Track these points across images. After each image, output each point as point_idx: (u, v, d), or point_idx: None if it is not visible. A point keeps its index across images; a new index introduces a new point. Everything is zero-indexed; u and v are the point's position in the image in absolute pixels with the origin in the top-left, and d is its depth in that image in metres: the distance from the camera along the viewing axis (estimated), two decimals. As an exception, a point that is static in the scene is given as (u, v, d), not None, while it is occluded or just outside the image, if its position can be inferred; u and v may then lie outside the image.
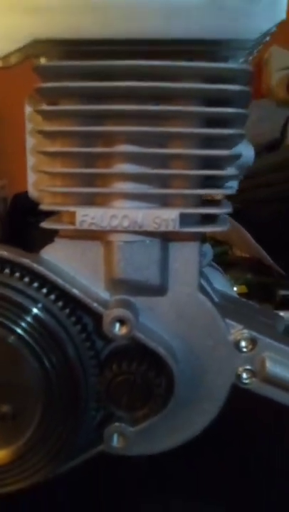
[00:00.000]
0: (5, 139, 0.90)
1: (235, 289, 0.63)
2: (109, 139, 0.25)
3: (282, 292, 0.60)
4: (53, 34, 0.22)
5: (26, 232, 0.87)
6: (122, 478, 0.32)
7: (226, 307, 0.31)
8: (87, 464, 0.29)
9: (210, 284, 0.34)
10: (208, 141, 0.25)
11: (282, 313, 0.39)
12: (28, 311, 0.25)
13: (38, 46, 0.23)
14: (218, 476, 0.33)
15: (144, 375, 0.26)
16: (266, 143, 0.77)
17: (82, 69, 0.23)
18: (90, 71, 0.23)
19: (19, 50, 0.22)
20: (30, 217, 0.88)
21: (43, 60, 0.25)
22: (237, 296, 0.38)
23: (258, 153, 0.77)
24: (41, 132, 0.26)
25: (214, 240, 0.74)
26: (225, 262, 0.76)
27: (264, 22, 0.21)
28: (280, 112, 0.86)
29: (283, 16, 0.21)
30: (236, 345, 0.29)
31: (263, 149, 0.76)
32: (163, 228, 0.25)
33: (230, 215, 0.63)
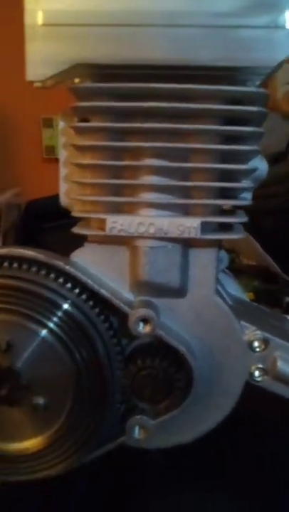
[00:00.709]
0: (20, 149, 0.93)
1: (243, 295, 0.66)
2: (136, 152, 0.27)
3: (289, 299, 0.62)
4: (92, 59, 0.24)
5: (39, 236, 0.89)
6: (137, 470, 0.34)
7: (240, 310, 0.33)
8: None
9: (224, 288, 0.36)
10: (227, 156, 0.28)
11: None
12: (62, 309, 0.27)
13: (75, 69, 0.25)
14: (231, 469, 0.35)
15: (165, 370, 0.28)
16: (272, 155, 0.79)
17: (114, 90, 0.26)
18: (121, 92, 0.26)
19: (60, 73, 0.25)
20: (43, 223, 0.90)
21: (77, 81, 0.28)
22: (248, 300, 0.40)
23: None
24: (74, 146, 0.29)
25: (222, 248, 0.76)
26: (232, 269, 0.78)
27: (281, 52, 0.24)
28: (286, 125, 0.89)
29: (298, 46, 0.24)
30: (250, 345, 0.31)
31: (269, 161, 0.78)
32: (186, 235, 0.27)
33: None
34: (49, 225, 0.86)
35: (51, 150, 0.96)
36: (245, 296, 0.40)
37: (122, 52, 0.24)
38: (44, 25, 0.24)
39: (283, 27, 0.23)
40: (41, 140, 0.96)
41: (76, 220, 0.30)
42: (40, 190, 0.93)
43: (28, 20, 0.24)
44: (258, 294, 0.68)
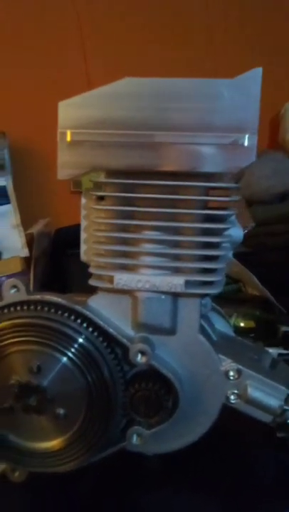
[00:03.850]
0: (50, 183, 1.04)
1: (242, 324, 0.73)
2: (138, 227, 0.36)
3: (284, 328, 0.69)
4: (104, 166, 0.33)
5: (64, 261, 0.99)
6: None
7: (221, 345, 0.41)
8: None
9: (212, 325, 0.44)
10: (207, 231, 0.36)
11: (270, 350, 0.48)
12: (78, 342, 0.36)
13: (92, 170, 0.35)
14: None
15: (156, 392, 0.37)
16: (278, 194, 0.87)
17: (123, 184, 0.35)
18: (126, 185, 0.35)
19: (81, 174, 0.34)
20: (68, 249, 1.00)
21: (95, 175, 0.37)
22: (233, 335, 0.48)
23: (270, 203, 0.88)
24: (91, 220, 0.38)
25: (230, 278, 0.84)
26: (238, 298, 0.85)
27: (242, 161, 0.32)
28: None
29: (253, 158, 0.32)
30: (226, 374, 0.39)
31: (275, 200, 0.86)
32: (173, 290, 0.36)
33: (240, 257, 0.76)
34: (72, 251, 0.96)
35: (78, 184, 1.07)
36: (232, 332, 0.48)
37: (127, 161, 0.33)
38: (71, 142, 0.33)
39: (243, 145, 0.32)
40: (70, 175, 1.06)
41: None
42: (68, 219, 1.04)
43: (59, 137, 0.33)
44: (259, 322, 0.75)
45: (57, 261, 0.99)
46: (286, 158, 0.94)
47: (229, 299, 0.80)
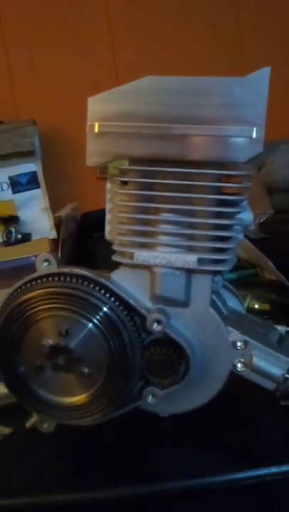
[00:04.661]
0: (78, 169, 1.09)
1: (257, 306, 0.76)
2: (156, 209, 0.41)
3: (296, 312, 0.72)
4: (128, 155, 0.38)
5: (89, 244, 1.04)
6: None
7: (230, 319, 0.45)
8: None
9: (223, 301, 0.48)
10: (220, 214, 0.40)
11: (279, 327, 0.52)
12: (103, 311, 0.41)
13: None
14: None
15: (170, 357, 0.41)
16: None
17: (144, 170, 0.39)
18: (147, 172, 0.39)
19: (107, 161, 0.38)
20: (93, 232, 1.05)
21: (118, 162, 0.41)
22: (244, 312, 0.51)
23: (288, 191, 0.91)
24: (115, 203, 0.42)
25: (248, 263, 0.87)
26: (256, 282, 0.88)
27: (251, 152, 0.36)
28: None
29: (261, 149, 0.36)
30: (234, 344, 0.43)
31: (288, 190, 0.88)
32: (186, 266, 0.40)
33: (258, 243, 0.80)
34: (98, 234, 1.00)
35: (104, 170, 1.11)
36: (243, 310, 0.52)
37: (147, 151, 0.38)
38: (98, 133, 0.38)
39: (251, 136, 0.36)
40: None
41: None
42: (94, 204, 1.09)
43: (88, 129, 0.38)
44: (274, 305, 0.79)
45: (82, 243, 1.04)
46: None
47: (246, 283, 0.83)
